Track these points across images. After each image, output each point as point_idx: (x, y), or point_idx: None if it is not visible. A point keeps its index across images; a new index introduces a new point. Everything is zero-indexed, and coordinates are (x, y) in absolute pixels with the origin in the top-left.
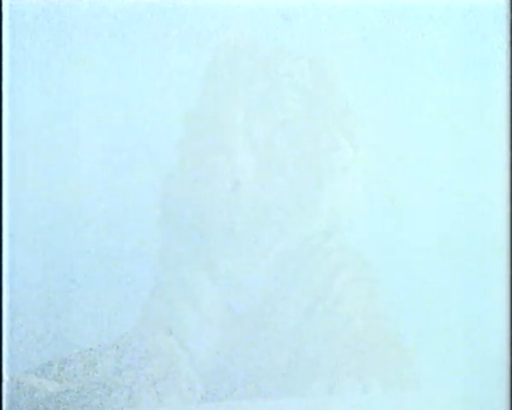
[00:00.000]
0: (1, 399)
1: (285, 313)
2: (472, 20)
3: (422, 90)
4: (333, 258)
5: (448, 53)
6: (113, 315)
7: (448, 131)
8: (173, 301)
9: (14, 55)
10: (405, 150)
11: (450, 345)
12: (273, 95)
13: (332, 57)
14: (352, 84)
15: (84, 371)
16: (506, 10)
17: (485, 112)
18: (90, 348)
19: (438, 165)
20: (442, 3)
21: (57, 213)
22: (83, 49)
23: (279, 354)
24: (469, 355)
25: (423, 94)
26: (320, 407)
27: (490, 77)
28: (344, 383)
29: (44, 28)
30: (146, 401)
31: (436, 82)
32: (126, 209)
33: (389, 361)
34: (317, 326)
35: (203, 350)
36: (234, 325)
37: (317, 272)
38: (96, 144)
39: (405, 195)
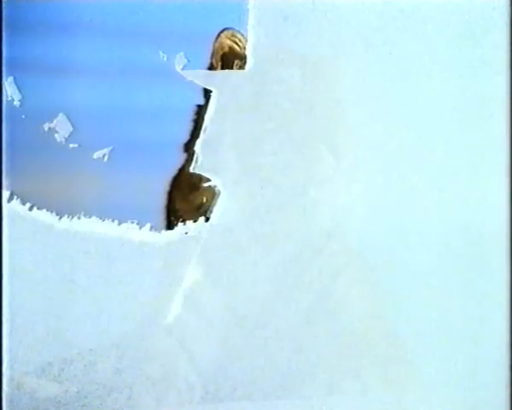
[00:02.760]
0: (1, 400)
1: (285, 314)
2: (472, 20)
3: (422, 89)
4: (333, 261)
5: (448, 53)
6: (113, 315)
7: (448, 132)
8: (173, 301)
9: None
10: (406, 151)
11: (451, 346)
12: (267, 97)
13: (332, 58)
14: (352, 84)
15: (84, 371)
16: (506, 10)
17: (485, 113)
18: (90, 349)
19: (438, 166)
20: (442, 3)
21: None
22: None
23: (279, 355)
24: (470, 356)
25: (423, 94)
26: (320, 408)
27: (490, 77)
28: (344, 385)
29: None
30: (146, 401)
31: (436, 82)
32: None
33: (390, 363)
34: (317, 328)
35: (203, 351)
36: (234, 326)
37: (319, 275)
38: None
39: (405, 196)
